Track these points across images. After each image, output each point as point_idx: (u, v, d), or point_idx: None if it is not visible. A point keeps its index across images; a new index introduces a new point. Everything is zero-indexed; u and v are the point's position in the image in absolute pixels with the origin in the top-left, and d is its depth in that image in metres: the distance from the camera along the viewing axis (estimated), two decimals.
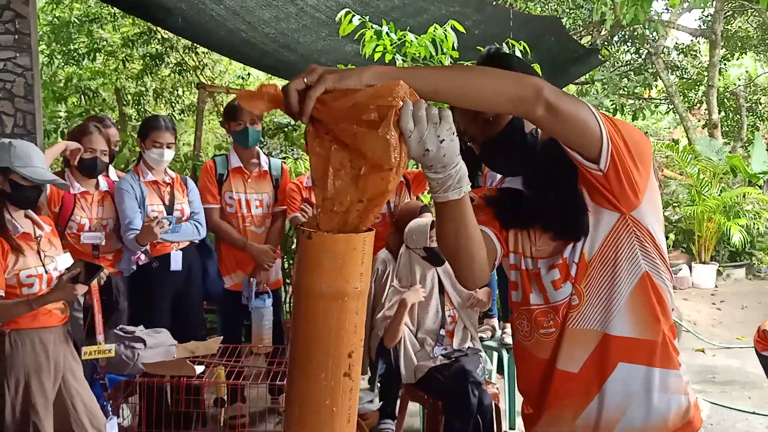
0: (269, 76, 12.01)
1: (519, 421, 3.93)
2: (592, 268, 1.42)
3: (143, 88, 10.20)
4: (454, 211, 1.27)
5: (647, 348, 1.42)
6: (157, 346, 3.13)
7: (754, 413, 4.22)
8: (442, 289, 3.49)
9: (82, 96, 9.60)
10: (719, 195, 7.99)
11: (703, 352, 5.58)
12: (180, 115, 10.47)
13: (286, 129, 7.94)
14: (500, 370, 4.07)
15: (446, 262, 3.43)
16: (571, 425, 1.45)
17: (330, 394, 1.05)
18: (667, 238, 8.25)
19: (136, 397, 3.24)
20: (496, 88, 1.18)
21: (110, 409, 2.97)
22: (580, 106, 1.27)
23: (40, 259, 2.53)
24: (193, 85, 9.89)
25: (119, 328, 3.10)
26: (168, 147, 3.50)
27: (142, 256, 3.43)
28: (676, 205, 8.64)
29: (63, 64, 9.76)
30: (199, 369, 3.20)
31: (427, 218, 3.47)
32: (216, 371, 3.26)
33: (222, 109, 5.61)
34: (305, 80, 1.04)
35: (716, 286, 7.76)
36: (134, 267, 3.46)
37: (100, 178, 3.43)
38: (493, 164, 1.52)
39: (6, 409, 2.44)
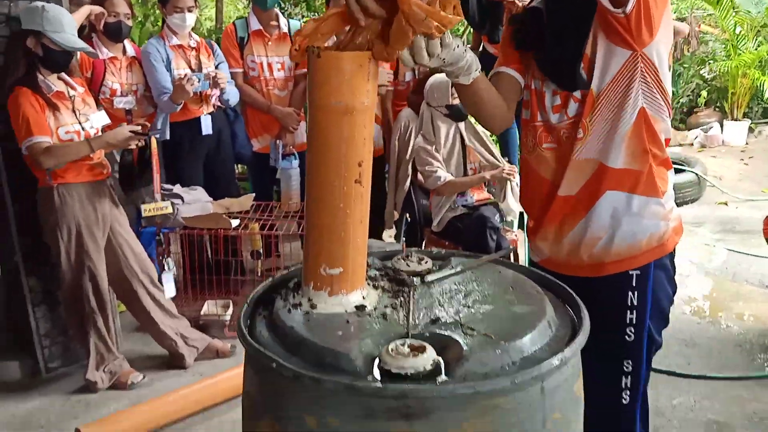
0: None
1: None
2: (600, 103, 1.50)
3: None
4: (468, 90, 1.50)
5: (633, 177, 1.53)
6: (194, 201, 3.34)
7: None
8: (464, 144, 3.58)
9: None
10: (755, 49, 7.68)
11: (726, 204, 5.65)
12: None
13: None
14: (521, 225, 4.24)
15: (468, 116, 3.55)
16: (560, 241, 1.60)
17: (343, 198, 1.18)
18: (699, 95, 8.03)
19: (179, 249, 3.51)
20: None
21: (165, 263, 3.26)
22: None
23: (76, 117, 2.68)
24: None
25: None
26: (189, 11, 3.53)
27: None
28: (711, 62, 8.35)
29: None
30: (234, 223, 3.42)
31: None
32: (251, 225, 3.48)
33: None
34: None
35: (747, 143, 7.67)
36: (167, 133, 3.60)
37: (126, 43, 3.49)
38: None
39: (62, 256, 2.70)
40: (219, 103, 3.68)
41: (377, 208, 3.89)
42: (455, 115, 3.45)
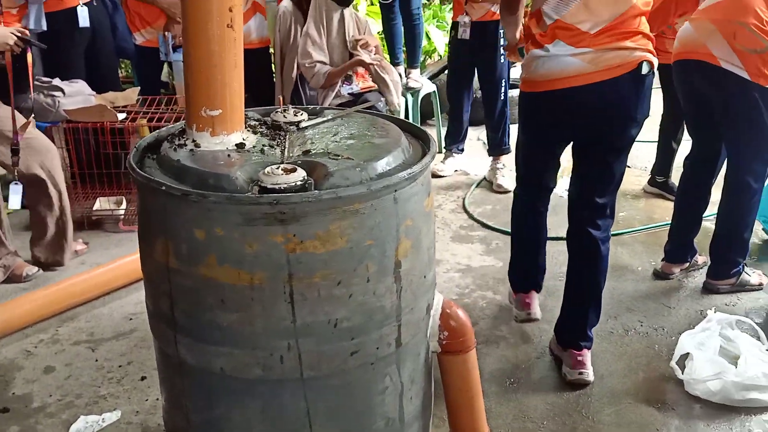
0: None
1: None
2: None
3: None
4: None
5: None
6: (76, 94, 3.30)
7: None
8: (344, 31, 3.70)
9: None
10: None
11: None
12: None
13: None
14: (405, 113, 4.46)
15: (351, 4, 3.66)
16: None
17: (217, 42, 1.31)
18: None
19: (62, 144, 3.46)
20: None
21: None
22: None
23: None
24: None
25: (36, 79, 3.22)
26: None
27: None
28: None
29: None
30: (121, 116, 3.41)
31: None
32: (138, 119, 3.47)
33: None
34: None
35: None
36: (43, 24, 3.45)
37: None
38: None
39: None
40: None
41: (266, 101, 3.97)
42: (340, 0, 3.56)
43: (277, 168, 1.24)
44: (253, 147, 1.39)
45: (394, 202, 1.27)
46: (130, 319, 2.65)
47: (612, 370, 2.35)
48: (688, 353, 2.28)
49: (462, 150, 4.24)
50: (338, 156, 1.32)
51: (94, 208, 3.48)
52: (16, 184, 2.96)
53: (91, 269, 2.91)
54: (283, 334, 1.25)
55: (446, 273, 3.04)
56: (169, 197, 1.22)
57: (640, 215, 3.63)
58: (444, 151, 4.24)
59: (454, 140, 4.17)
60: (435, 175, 4.15)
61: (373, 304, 1.30)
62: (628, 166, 4.27)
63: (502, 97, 3.86)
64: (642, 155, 4.28)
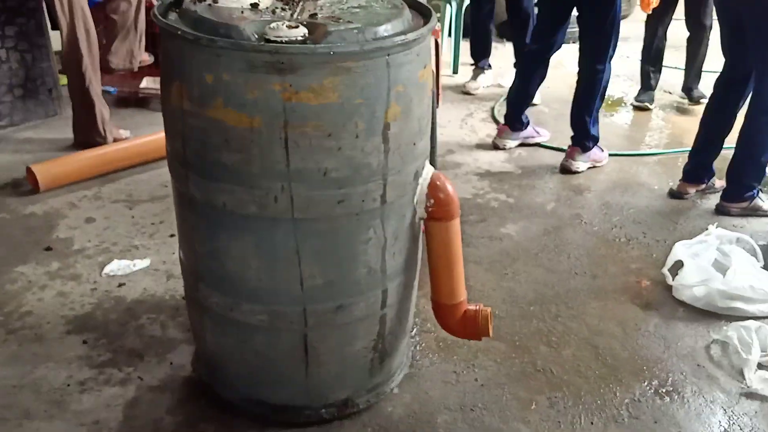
0: None
1: (463, 69, 4.46)
2: None
3: None
4: None
5: None
6: None
7: None
8: None
9: None
10: None
11: None
12: None
13: None
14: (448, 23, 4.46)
15: None
16: None
17: None
18: None
19: None
20: None
21: None
22: None
23: None
24: None
25: None
26: None
27: None
28: None
29: None
30: None
31: None
32: None
33: None
34: None
35: None
36: None
37: None
38: None
39: None
40: None
41: None
42: None
43: (282, 24, 1.36)
44: (266, 8, 1.51)
45: (386, 66, 1.38)
46: (165, 186, 2.87)
47: (605, 272, 2.46)
48: (681, 261, 2.37)
49: (491, 66, 4.24)
50: (340, 20, 1.43)
51: (141, 86, 3.68)
52: None
53: (133, 138, 3.13)
54: (278, 177, 1.41)
55: (465, 175, 3.16)
56: (184, 42, 1.37)
57: (666, 140, 3.64)
58: (473, 68, 4.24)
59: (482, 55, 4.17)
60: (468, 93, 4.18)
61: (360, 160, 1.43)
62: (669, 92, 4.25)
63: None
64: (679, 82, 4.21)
